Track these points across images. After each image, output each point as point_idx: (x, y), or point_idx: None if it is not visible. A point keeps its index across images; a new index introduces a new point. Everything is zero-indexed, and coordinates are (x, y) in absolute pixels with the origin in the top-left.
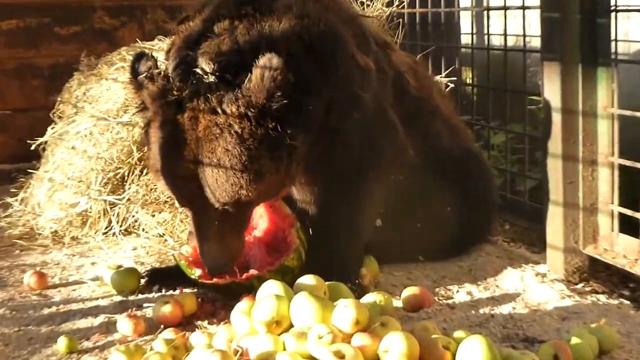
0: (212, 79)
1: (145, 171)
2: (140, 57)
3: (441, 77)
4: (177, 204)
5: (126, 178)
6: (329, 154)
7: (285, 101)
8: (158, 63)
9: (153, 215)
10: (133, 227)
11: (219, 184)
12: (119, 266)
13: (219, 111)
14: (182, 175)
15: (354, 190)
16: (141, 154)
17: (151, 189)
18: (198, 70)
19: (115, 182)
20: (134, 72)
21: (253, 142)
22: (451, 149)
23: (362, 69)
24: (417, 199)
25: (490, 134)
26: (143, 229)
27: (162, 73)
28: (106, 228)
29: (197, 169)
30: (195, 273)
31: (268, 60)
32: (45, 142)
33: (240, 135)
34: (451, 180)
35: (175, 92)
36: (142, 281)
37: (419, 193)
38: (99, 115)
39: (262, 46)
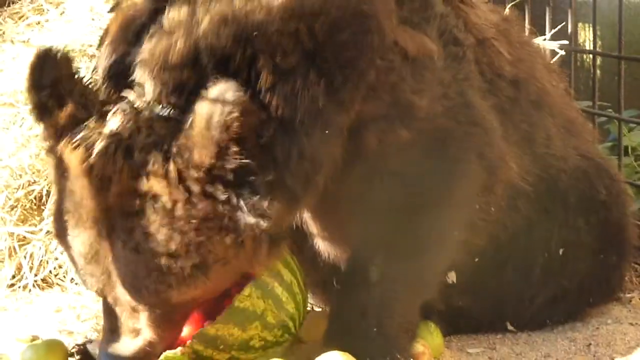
0: (153, 111)
1: None
2: (42, 59)
3: (545, 39)
4: None
5: (45, 199)
6: (372, 184)
7: (247, 161)
8: (74, 67)
9: None
10: (56, 275)
11: (137, 279)
12: (34, 337)
13: (142, 176)
14: (84, 254)
15: (417, 224)
16: None
17: None
18: (128, 96)
19: (28, 206)
20: (36, 86)
21: (191, 222)
22: (565, 159)
23: (415, 61)
24: (506, 235)
25: (623, 131)
26: (72, 279)
27: (79, 87)
28: (13, 277)
29: (104, 251)
30: None
31: (219, 92)
32: None
33: (171, 212)
34: (561, 206)
35: (88, 130)
36: None
37: (511, 226)
38: (0, 99)
39: (237, 54)
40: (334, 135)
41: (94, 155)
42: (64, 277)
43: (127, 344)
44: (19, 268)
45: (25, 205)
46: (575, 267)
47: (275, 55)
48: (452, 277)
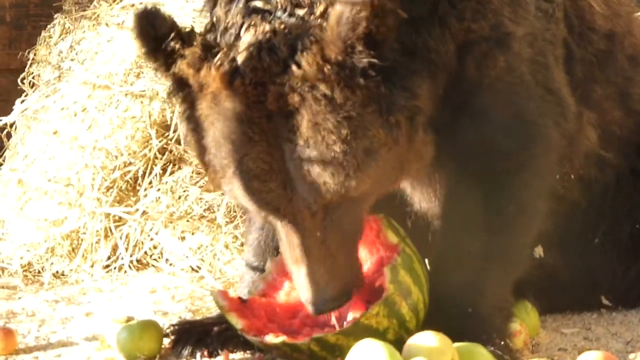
0: (282, 18)
1: (170, 169)
2: (149, 15)
3: None
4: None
5: (140, 180)
6: (458, 129)
7: (374, 60)
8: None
9: (183, 239)
10: (151, 256)
11: (314, 176)
12: (130, 318)
13: (293, 66)
14: (255, 173)
15: (500, 195)
16: (164, 140)
17: (180, 197)
18: (256, 4)
19: (124, 187)
20: (148, 39)
21: (353, 107)
22: None
23: None
24: (599, 210)
25: None
26: (167, 260)
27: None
28: (108, 258)
29: (275, 160)
30: (237, 324)
31: None
32: (12, 125)
33: (332, 99)
34: None
35: (225, 50)
36: (166, 342)
37: (604, 201)
38: (96, 81)
39: None
40: (448, 38)
41: (240, 65)
42: (159, 258)
43: (323, 275)
44: (115, 249)
45: (121, 187)
46: None
47: None
48: (539, 251)
